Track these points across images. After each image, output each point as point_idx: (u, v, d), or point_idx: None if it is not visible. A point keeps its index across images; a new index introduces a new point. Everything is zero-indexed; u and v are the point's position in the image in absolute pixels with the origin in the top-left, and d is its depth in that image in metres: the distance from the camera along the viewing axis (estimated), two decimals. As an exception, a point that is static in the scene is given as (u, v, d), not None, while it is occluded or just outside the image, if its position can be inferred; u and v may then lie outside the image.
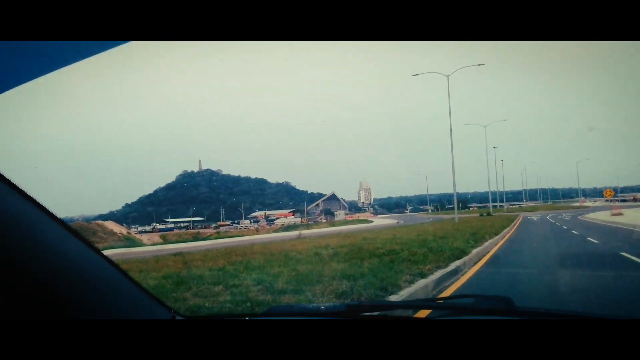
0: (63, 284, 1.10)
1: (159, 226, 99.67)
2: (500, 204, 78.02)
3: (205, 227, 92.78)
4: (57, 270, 1.10)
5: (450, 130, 34.06)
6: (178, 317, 1.54)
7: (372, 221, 57.31)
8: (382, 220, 58.73)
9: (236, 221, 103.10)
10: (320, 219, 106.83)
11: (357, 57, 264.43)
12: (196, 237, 57.80)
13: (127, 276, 1.35)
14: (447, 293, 6.98)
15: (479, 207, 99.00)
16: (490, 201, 57.80)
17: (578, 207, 73.16)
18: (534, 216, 51.17)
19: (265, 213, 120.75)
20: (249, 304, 5.18)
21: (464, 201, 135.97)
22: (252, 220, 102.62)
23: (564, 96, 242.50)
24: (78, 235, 1.20)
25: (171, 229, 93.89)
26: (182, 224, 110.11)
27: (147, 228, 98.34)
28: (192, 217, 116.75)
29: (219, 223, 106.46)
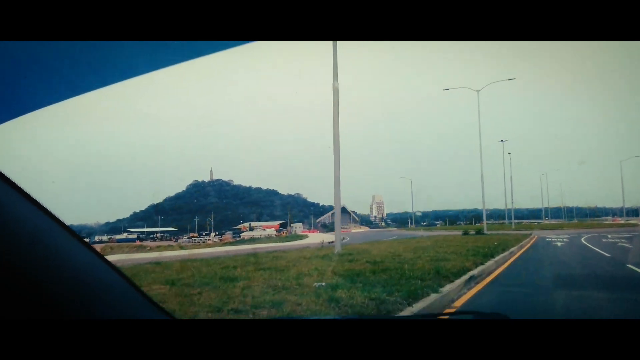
0: (63, 285, 1.09)
1: (117, 237, 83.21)
2: (508, 219, 56.23)
3: (169, 239, 79.12)
4: (57, 272, 1.09)
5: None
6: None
7: (307, 237, 39.81)
8: (332, 237, 41.49)
9: (203, 233, 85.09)
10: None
11: (370, 67, 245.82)
12: (139, 250, 50.68)
13: (127, 279, 1.31)
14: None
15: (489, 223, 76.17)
16: (484, 215, 36.09)
17: (622, 226, 49.54)
18: (556, 237, 29.03)
19: (250, 224, 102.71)
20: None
21: (479, 217, 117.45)
22: (233, 232, 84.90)
23: (586, 101, 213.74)
24: (80, 239, 1.18)
25: (133, 240, 77.95)
26: (154, 234, 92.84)
27: (104, 238, 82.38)
28: (162, 226, 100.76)
29: (191, 234, 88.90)
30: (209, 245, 50.40)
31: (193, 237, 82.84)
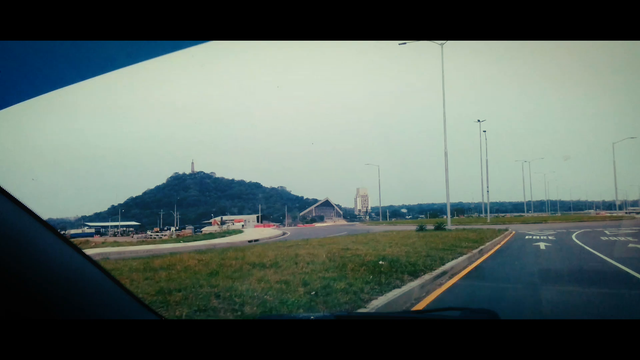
0: (51, 286, 1.08)
1: (73, 231, 76.11)
2: (486, 211, 50.34)
3: (130, 234, 74.30)
4: (45, 273, 1.08)
5: None
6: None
7: (241, 232, 34.69)
8: (272, 232, 36.62)
9: (166, 227, 78.65)
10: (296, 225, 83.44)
11: (356, 59, 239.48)
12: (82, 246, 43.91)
13: (116, 281, 1.31)
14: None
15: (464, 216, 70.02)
16: (449, 206, 29.54)
17: (612, 219, 43.76)
18: (540, 234, 22.78)
19: (221, 218, 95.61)
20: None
21: (462, 210, 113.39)
22: (195, 227, 78.83)
23: (567, 94, 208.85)
24: (66, 240, 1.18)
25: (91, 235, 70.93)
26: (117, 229, 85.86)
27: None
28: (138, 220, 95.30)
29: (155, 229, 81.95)
30: (154, 242, 44.79)
31: (156, 231, 76.19)
